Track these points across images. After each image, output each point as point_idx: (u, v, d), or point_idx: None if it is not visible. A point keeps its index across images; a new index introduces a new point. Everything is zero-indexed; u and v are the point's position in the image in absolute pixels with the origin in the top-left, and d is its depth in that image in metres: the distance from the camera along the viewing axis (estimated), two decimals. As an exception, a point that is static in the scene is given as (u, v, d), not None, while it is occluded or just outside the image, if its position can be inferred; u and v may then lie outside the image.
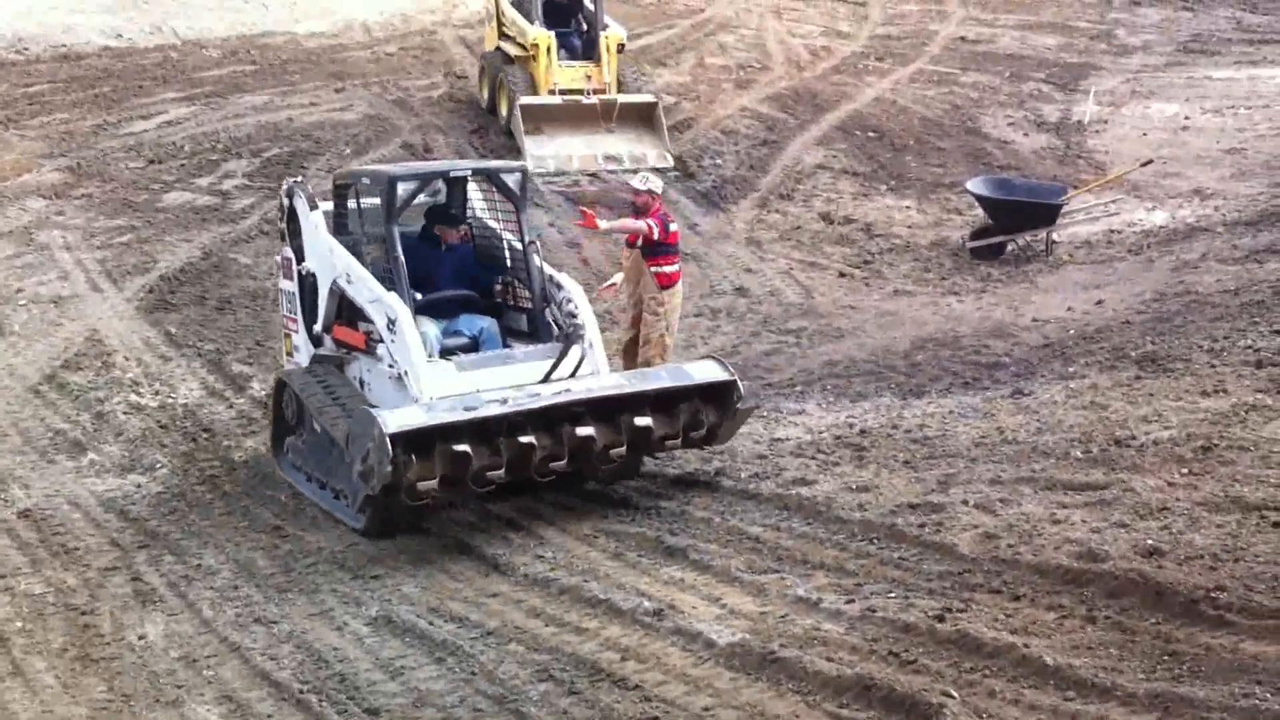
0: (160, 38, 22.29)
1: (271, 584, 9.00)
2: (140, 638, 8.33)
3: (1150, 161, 17.52)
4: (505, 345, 10.06)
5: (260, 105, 19.63)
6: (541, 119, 18.26)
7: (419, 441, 8.78)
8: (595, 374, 9.72)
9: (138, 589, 9.02)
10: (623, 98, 18.53)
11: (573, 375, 9.60)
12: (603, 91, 18.44)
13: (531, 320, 10.20)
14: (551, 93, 18.30)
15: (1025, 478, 9.05)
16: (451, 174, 10.65)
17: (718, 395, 9.77)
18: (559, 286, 10.13)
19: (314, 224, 10.53)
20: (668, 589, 8.11)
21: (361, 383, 10.30)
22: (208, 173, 17.48)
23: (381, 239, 9.96)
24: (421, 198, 10.46)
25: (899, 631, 7.17)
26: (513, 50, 18.90)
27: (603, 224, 11.28)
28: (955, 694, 6.45)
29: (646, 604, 7.92)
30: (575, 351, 9.70)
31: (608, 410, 9.34)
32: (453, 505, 9.78)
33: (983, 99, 21.44)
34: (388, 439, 8.59)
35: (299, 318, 10.92)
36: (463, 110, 19.64)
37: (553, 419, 9.15)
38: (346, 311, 10.28)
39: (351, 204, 10.28)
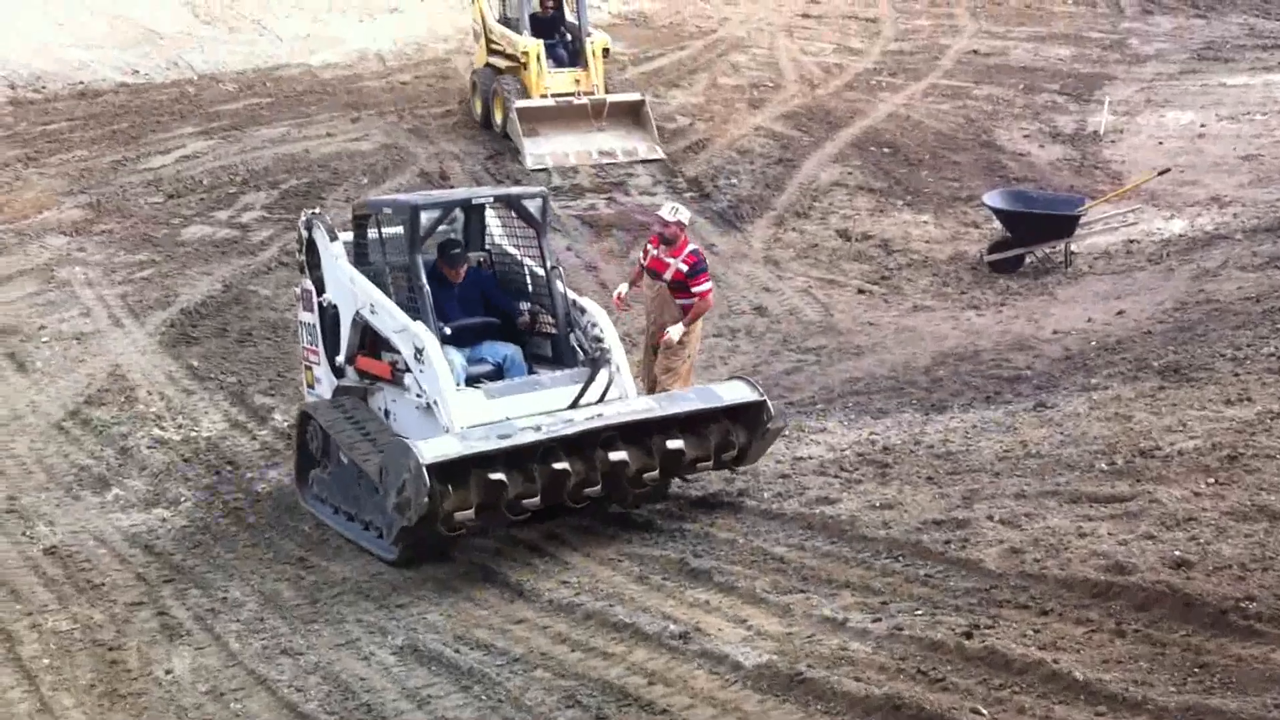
0: (176, 73, 22.47)
1: (297, 615, 9.00)
2: (167, 672, 8.33)
3: (1167, 170, 17.48)
4: (530, 371, 10.06)
5: (277, 137, 19.75)
6: (536, 120, 19.06)
7: (454, 471, 8.75)
8: (624, 398, 9.72)
9: (164, 623, 9.03)
10: (612, 97, 19.40)
11: (601, 399, 9.60)
12: (592, 93, 19.32)
13: (556, 346, 10.20)
14: (544, 97, 19.12)
15: (1050, 491, 9.01)
16: (473, 201, 10.63)
17: (747, 415, 9.76)
18: (583, 311, 10.14)
19: (334, 255, 10.53)
20: (693, 611, 8.09)
21: (386, 413, 10.28)
22: (226, 206, 17.59)
23: (404, 268, 9.94)
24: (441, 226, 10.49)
25: (927, 649, 7.12)
26: (502, 64, 19.92)
27: (675, 332, 11.17)
28: (985, 711, 6.41)
29: (672, 627, 7.89)
30: (603, 376, 9.69)
31: (638, 434, 9.33)
32: (478, 532, 9.78)
33: (997, 112, 21.43)
34: (425, 469, 8.54)
35: (320, 349, 10.90)
36: (478, 137, 19.72)
37: (584, 444, 9.14)
38: (369, 342, 10.29)
39: (373, 234, 10.31)
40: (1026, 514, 8.64)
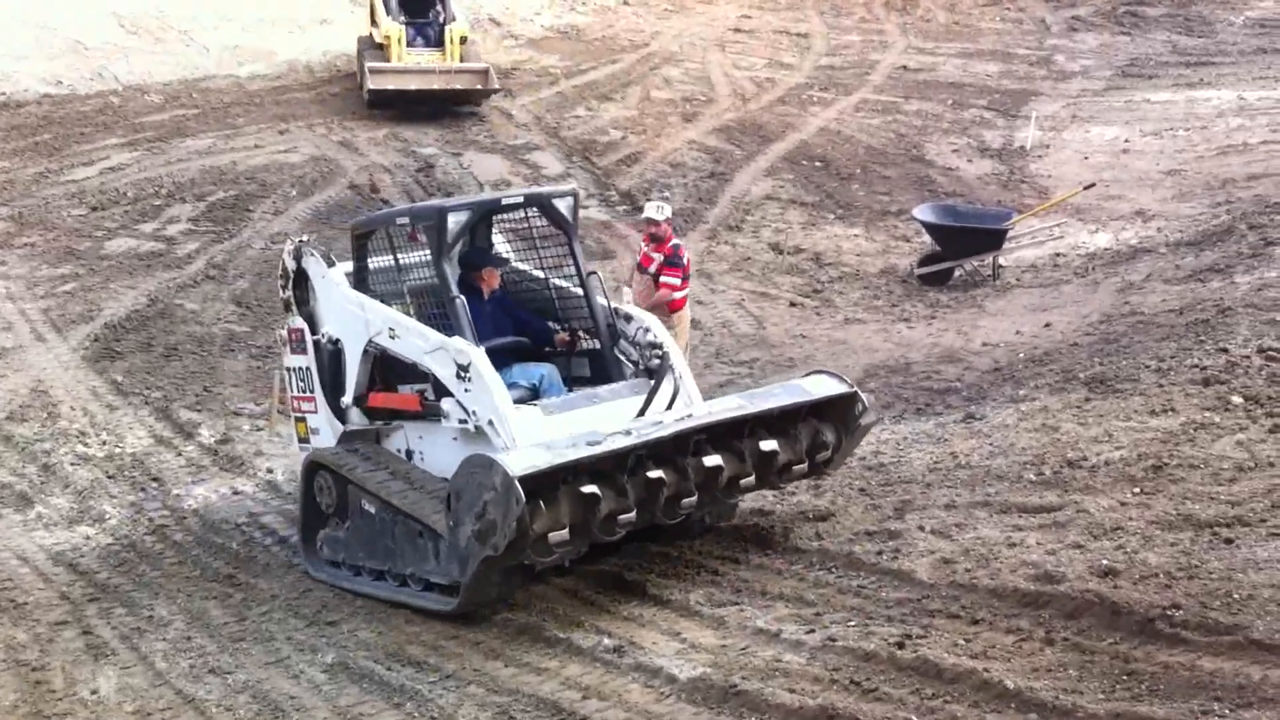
0: (101, 84, 22.12)
1: (225, 633, 8.87)
2: (93, 693, 8.18)
3: (1093, 185, 17.73)
4: (570, 392, 9.09)
5: (204, 149, 19.52)
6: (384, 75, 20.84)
7: (541, 486, 7.78)
8: (691, 404, 8.91)
9: (89, 643, 8.86)
10: (459, 66, 20.98)
11: (669, 409, 8.73)
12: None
13: (597, 362, 9.33)
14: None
15: (980, 502, 9.09)
16: (503, 202, 9.68)
17: (835, 411, 9.01)
18: (628, 318, 9.34)
19: (334, 283, 9.59)
20: (627, 625, 8.07)
21: (409, 453, 9.31)
22: (152, 219, 17.33)
23: (428, 285, 9.02)
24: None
25: (860, 660, 7.16)
26: (380, 39, 21.35)
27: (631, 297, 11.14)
28: (917, 721, 6.45)
29: (606, 641, 7.87)
30: (668, 383, 8.85)
31: (727, 438, 8.51)
32: (563, 566, 8.78)
33: (926, 127, 21.64)
34: (516, 483, 7.56)
35: (316, 395, 9.84)
36: (408, 150, 19.62)
37: (675, 451, 8.28)
38: (382, 375, 9.41)
39: (381, 258, 9.38)
40: (957, 524, 8.72)
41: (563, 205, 9.37)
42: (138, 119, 20.82)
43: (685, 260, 11.98)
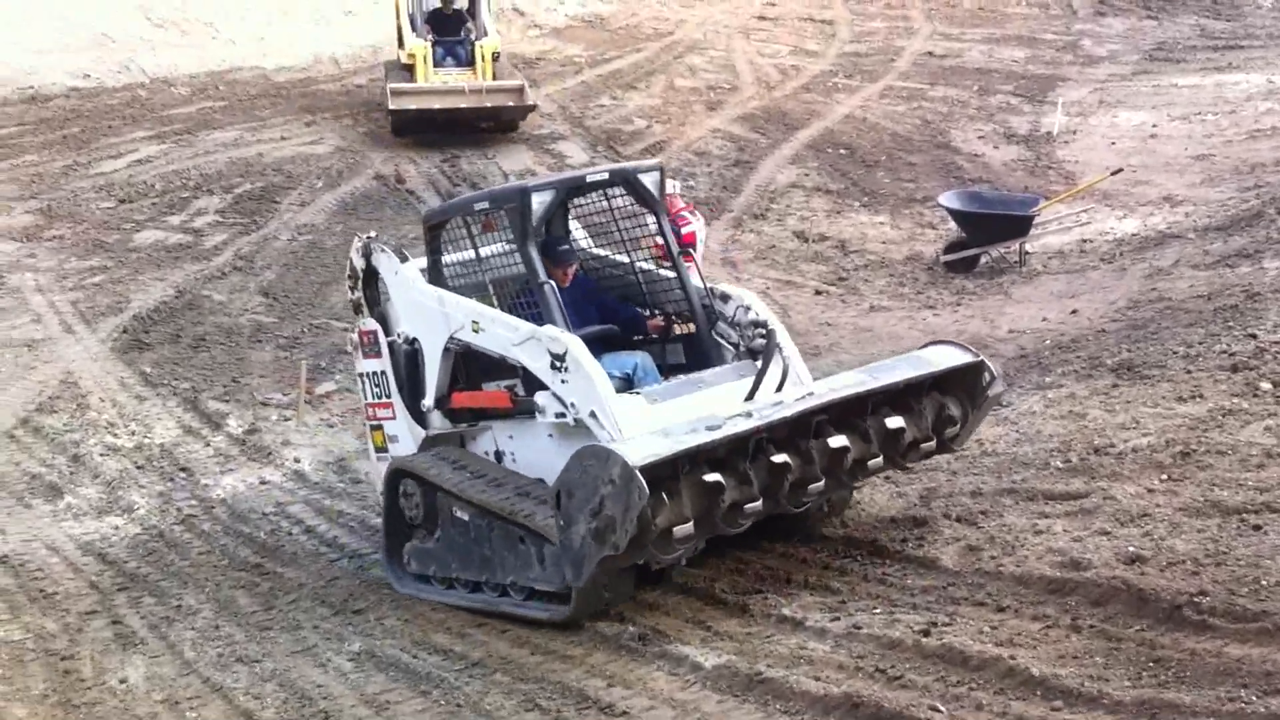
0: (128, 76, 22.24)
1: (253, 622, 8.93)
2: (122, 681, 8.24)
3: (1120, 170, 17.61)
4: (665, 378, 8.58)
5: (230, 141, 19.60)
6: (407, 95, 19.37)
7: (661, 476, 7.25)
8: (802, 384, 8.32)
9: (118, 632, 8.93)
10: (490, 84, 19.44)
11: (779, 390, 8.15)
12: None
13: (694, 346, 8.82)
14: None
15: (1006, 489, 9.06)
16: (588, 179, 9.01)
17: (960, 383, 8.50)
18: (726, 298, 8.76)
19: (408, 279, 9.10)
20: (652, 613, 8.08)
21: (498, 455, 8.77)
22: (179, 211, 17.43)
23: (509, 275, 8.60)
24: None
25: (885, 648, 7.15)
26: (406, 60, 19.98)
27: None
28: (943, 708, 6.44)
29: (631, 629, 7.88)
30: (776, 363, 8.23)
31: (848, 417, 8.01)
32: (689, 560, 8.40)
33: (952, 113, 21.54)
34: (638, 474, 7.01)
35: (394, 399, 9.31)
36: (434, 140, 19.64)
37: (796, 434, 7.81)
38: (465, 373, 8.96)
39: (459, 251, 8.94)
40: (983, 512, 8.69)
41: (649, 180, 8.82)
42: (165, 111, 20.92)
43: (687, 231, 11.68)
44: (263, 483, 11.37)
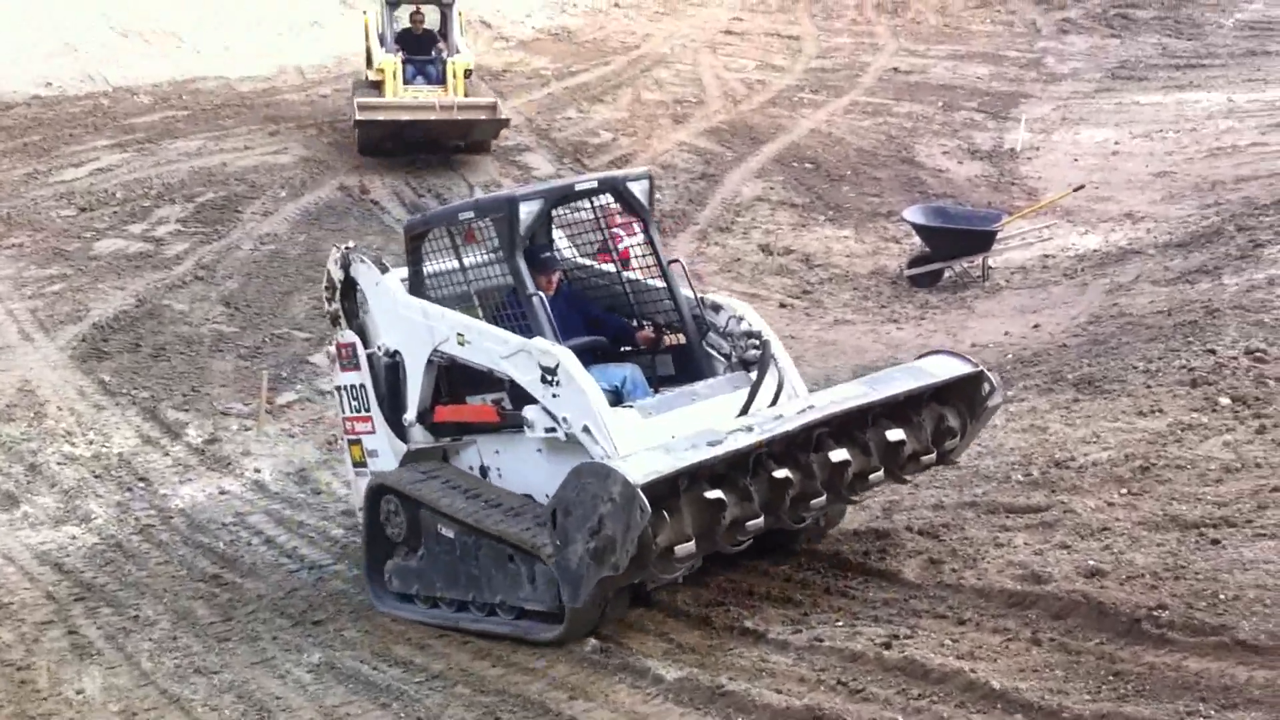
0: (91, 85, 22.06)
1: (211, 633, 8.85)
2: (78, 692, 8.16)
3: (1082, 187, 17.75)
4: (655, 393, 8.37)
5: (193, 150, 19.47)
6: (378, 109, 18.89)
7: (661, 493, 7.07)
8: (798, 397, 8.22)
9: (75, 642, 8.84)
10: (462, 100, 18.96)
11: (773, 403, 8.04)
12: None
13: (683, 357, 8.67)
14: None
15: (967, 502, 9.09)
16: (576, 188, 8.79)
17: (958, 394, 8.39)
18: (717, 308, 8.64)
19: (389, 290, 8.88)
20: (614, 625, 8.05)
21: (483, 470, 8.56)
22: (140, 219, 17.29)
23: (494, 286, 8.41)
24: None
25: (846, 660, 7.15)
26: (374, 77, 19.56)
27: None
28: (903, 721, 6.44)
29: (593, 641, 7.85)
30: (772, 375, 8.15)
31: (848, 429, 7.87)
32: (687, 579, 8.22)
33: (917, 129, 21.66)
34: (639, 493, 6.84)
35: (374, 413, 9.07)
36: (398, 152, 19.57)
37: (796, 448, 7.67)
38: (448, 386, 8.74)
39: (442, 261, 8.72)
40: (944, 525, 8.72)
41: (638, 189, 8.71)
42: (127, 120, 20.77)
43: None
44: (222, 493, 11.29)
